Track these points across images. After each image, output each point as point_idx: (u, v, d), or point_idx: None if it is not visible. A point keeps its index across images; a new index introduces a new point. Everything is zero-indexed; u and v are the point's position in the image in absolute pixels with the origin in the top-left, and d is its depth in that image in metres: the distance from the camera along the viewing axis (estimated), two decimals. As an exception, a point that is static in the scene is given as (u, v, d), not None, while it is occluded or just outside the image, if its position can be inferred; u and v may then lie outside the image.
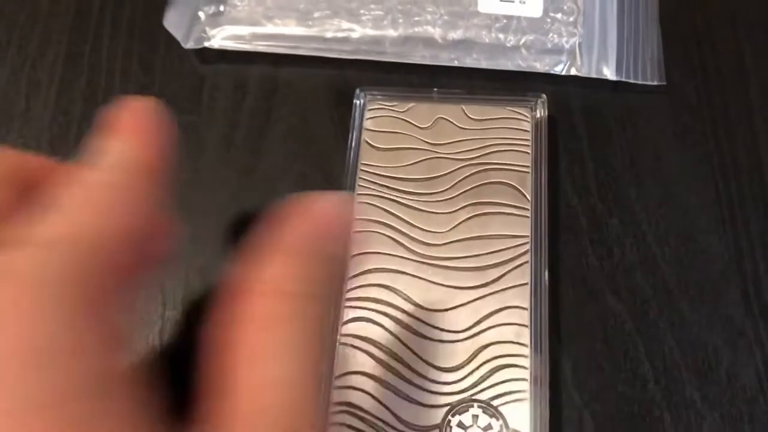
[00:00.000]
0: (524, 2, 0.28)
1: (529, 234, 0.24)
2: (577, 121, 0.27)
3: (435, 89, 0.26)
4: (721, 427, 0.22)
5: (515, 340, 0.22)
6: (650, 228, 0.25)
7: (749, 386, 0.23)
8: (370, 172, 0.25)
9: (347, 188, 0.25)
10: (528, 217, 0.24)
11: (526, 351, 0.22)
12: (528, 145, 0.25)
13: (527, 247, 0.23)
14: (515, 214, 0.24)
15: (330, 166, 0.27)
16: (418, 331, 0.23)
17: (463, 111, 0.26)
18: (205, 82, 0.29)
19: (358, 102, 0.27)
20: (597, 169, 0.26)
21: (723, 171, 0.26)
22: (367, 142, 0.26)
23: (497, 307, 0.23)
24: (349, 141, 0.26)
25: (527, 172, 0.25)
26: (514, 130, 0.25)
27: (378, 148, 0.26)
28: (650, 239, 0.25)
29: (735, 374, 0.23)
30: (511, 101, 0.26)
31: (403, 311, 0.23)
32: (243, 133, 0.28)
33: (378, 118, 0.26)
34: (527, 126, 0.25)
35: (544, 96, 0.26)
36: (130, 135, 0.16)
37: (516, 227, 0.24)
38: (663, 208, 0.25)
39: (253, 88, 0.29)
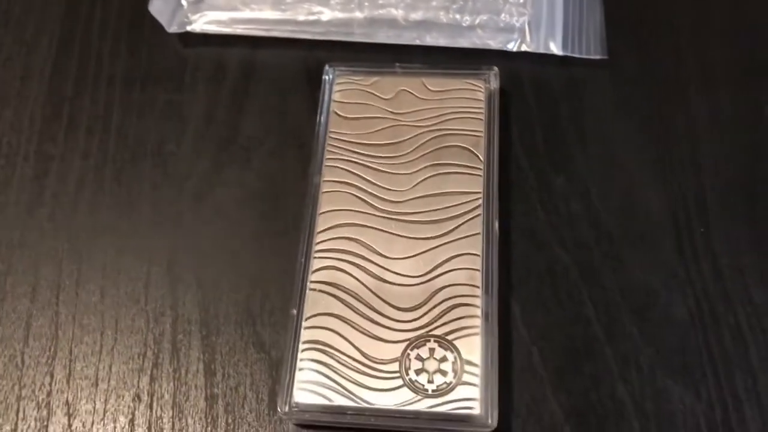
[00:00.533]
0: (478, -14, 0.31)
1: (481, 190, 0.26)
2: (528, 93, 0.29)
3: (397, 64, 0.29)
4: (655, 358, 0.25)
5: (468, 283, 0.24)
6: (594, 185, 0.28)
7: (682, 322, 0.25)
8: (339, 139, 0.28)
9: (317, 154, 0.27)
10: (480, 175, 0.26)
11: (478, 292, 0.24)
12: (481, 113, 0.28)
13: (480, 201, 0.26)
14: (469, 173, 0.26)
15: (303, 137, 0.29)
16: (380, 277, 0.25)
17: (423, 83, 0.28)
18: (188, 64, 0.31)
19: (326, 77, 0.29)
20: (545, 135, 0.29)
21: (659, 135, 0.29)
22: (336, 113, 0.28)
23: (452, 254, 0.25)
24: (319, 112, 0.28)
25: (480, 136, 0.27)
26: (469, 99, 0.28)
27: (345, 118, 0.28)
28: (594, 196, 0.27)
29: (670, 312, 0.25)
30: (466, 74, 0.28)
31: (368, 260, 0.25)
32: (223, 109, 0.30)
33: (345, 91, 0.28)
34: (481, 96, 0.28)
35: (496, 69, 0.28)
36: None
37: (470, 185, 0.26)
38: (605, 167, 0.28)
39: (232, 68, 0.31)
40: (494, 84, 0.28)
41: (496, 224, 0.25)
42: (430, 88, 0.28)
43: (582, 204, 0.27)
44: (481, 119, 0.27)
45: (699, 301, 0.25)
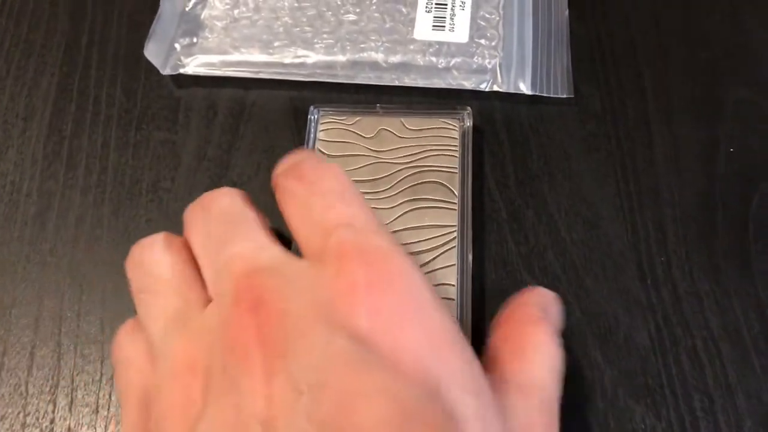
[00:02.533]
0: (453, 30, 0.33)
1: (456, 223, 0.28)
2: (499, 129, 0.31)
3: (378, 105, 0.31)
4: (618, 379, 0.26)
5: None
6: (560, 217, 0.30)
7: (642, 346, 0.27)
8: None
9: None
10: (455, 209, 0.28)
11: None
12: (456, 150, 0.29)
13: (454, 234, 0.28)
14: (445, 208, 0.28)
15: (290, 173, 0.31)
16: None
17: (402, 123, 0.30)
18: (181, 104, 0.33)
19: (312, 117, 0.31)
20: (516, 170, 0.31)
21: (622, 169, 0.31)
22: (320, 151, 0.30)
23: None
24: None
25: (455, 173, 0.29)
26: (444, 137, 0.30)
27: (329, 155, 0.30)
28: (560, 227, 0.29)
29: (631, 336, 0.27)
30: (442, 113, 0.30)
31: None
32: (214, 147, 0.32)
33: (329, 130, 0.30)
34: (455, 134, 0.30)
35: (470, 109, 0.30)
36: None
37: (445, 218, 0.28)
38: (571, 200, 0.30)
39: (223, 108, 0.33)
40: (468, 122, 0.30)
41: (470, 256, 0.27)
42: (408, 127, 0.30)
43: (549, 235, 0.29)
44: (455, 156, 0.29)
45: (659, 326, 0.27)
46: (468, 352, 0.19)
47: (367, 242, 0.19)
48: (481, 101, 0.32)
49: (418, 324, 0.17)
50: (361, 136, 0.30)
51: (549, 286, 0.28)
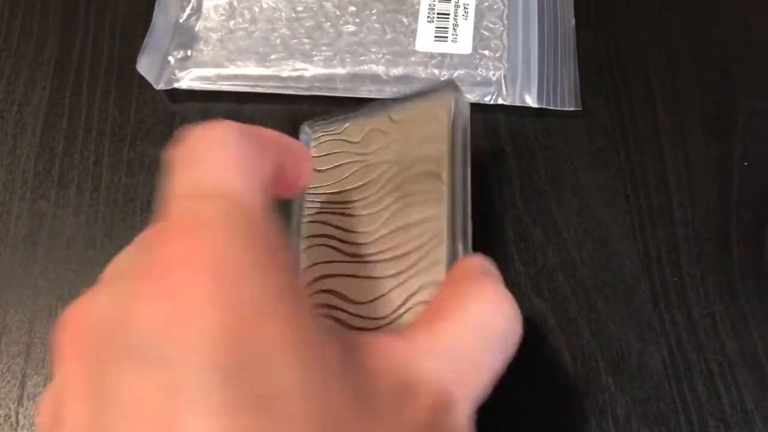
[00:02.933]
0: (456, 41, 0.32)
1: (443, 211, 0.24)
2: (505, 144, 0.30)
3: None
4: (631, 407, 0.25)
5: None
6: (569, 236, 0.28)
7: (656, 372, 0.26)
8: (314, 194, 0.28)
9: (295, 215, 0.27)
10: (442, 198, 0.24)
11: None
12: (444, 134, 0.25)
13: (441, 224, 0.24)
14: (432, 199, 0.24)
15: (288, 190, 0.30)
16: (350, 324, 0.25)
17: (390, 118, 0.27)
18: (176, 119, 0.32)
19: (304, 136, 0.29)
20: (522, 186, 0.30)
21: (633, 185, 0.30)
22: (315, 169, 0.28)
23: (415, 289, 0.23)
24: None
25: (442, 155, 0.25)
26: (433, 122, 0.26)
27: (320, 171, 0.28)
28: (570, 246, 0.28)
29: (644, 362, 0.26)
30: (427, 94, 0.26)
31: (339, 309, 0.25)
32: (210, 163, 0.31)
33: (320, 144, 0.28)
34: (443, 115, 0.26)
35: (456, 82, 0.26)
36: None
37: (432, 208, 0.24)
38: (580, 218, 0.29)
39: (219, 123, 0.32)
40: (454, 100, 0.26)
41: (460, 246, 0.23)
42: (394, 119, 0.27)
43: (558, 255, 0.28)
44: (443, 138, 0.25)
45: (672, 350, 0.26)
46: (300, 320, 0.15)
47: (192, 207, 0.16)
48: (486, 114, 0.31)
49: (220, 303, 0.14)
50: (349, 142, 0.28)
51: (559, 309, 0.27)
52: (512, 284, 0.28)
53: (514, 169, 0.30)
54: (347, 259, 0.26)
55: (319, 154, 0.28)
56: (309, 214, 0.27)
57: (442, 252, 0.23)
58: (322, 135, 0.29)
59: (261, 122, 0.32)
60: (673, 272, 0.28)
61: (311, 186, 0.28)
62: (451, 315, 0.18)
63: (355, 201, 0.27)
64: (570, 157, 0.30)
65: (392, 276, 0.25)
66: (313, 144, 0.28)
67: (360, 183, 0.27)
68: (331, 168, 0.28)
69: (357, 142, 0.28)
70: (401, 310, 0.24)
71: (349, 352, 0.16)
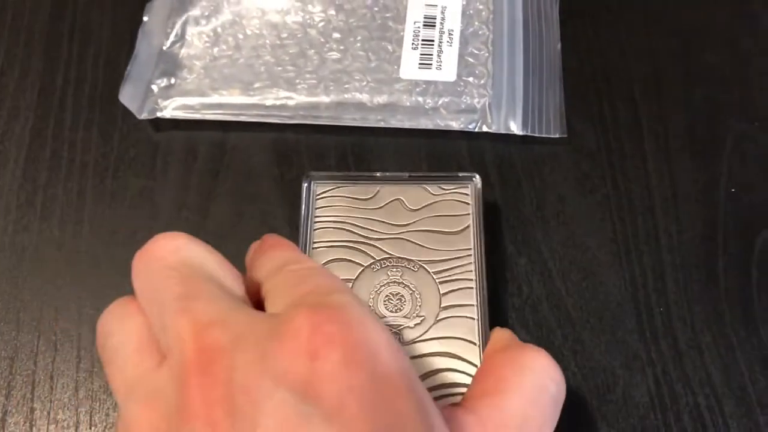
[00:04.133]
0: (440, 68, 0.31)
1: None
2: (490, 172, 0.30)
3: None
4: (617, 441, 0.25)
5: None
6: (555, 265, 0.28)
7: (641, 404, 0.26)
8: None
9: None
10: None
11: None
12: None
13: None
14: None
15: (272, 221, 0.30)
16: None
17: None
18: (159, 149, 0.32)
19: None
20: (508, 214, 0.29)
21: (619, 212, 0.29)
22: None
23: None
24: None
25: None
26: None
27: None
28: (555, 275, 0.28)
29: (629, 394, 0.26)
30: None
31: None
32: (194, 194, 0.31)
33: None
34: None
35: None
36: None
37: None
38: (566, 247, 0.29)
39: (203, 152, 0.32)
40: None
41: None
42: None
43: (543, 285, 0.28)
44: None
45: (659, 381, 0.26)
46: (421, 397, 0.18)
47: (323, 298, 0.18)
48: (471, 142, 0.31)
49: (366, 368, 0.17)
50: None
51: (544, 340, 0.27)
52: (497, 316, 0.27)
53: (499, 197, 0.30)
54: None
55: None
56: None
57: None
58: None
59: (245, 151, 0.32)
60: (659, 301, 0.27)
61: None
62: (510, 387, 0.20)
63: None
64: (556, 184, 0.30)
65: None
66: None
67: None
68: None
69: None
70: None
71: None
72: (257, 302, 0.21)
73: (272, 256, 0.22)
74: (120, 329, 0.20)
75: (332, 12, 0.33)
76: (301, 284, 0.20)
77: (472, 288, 0.25)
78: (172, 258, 0.20)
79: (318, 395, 0.16)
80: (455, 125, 0.30)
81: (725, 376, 0.26)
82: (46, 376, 0.27)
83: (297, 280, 0.20)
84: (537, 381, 0.20)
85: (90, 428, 0.26)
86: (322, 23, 0.33)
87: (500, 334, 0.23)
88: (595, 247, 0.29)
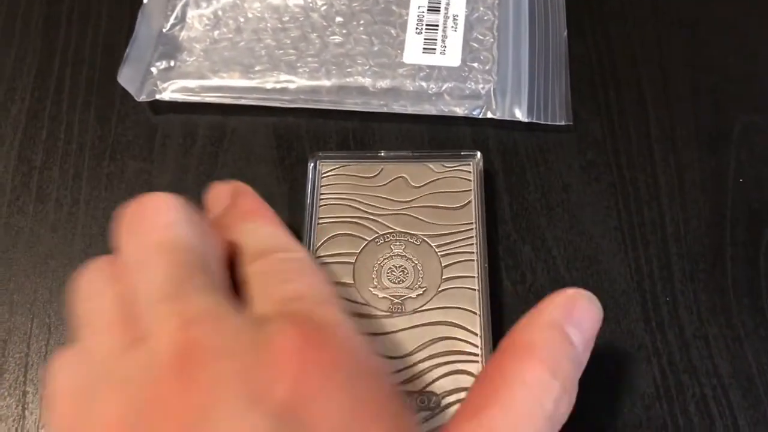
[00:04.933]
0: (444, 53, 0.31)
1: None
2: (494, 159, 0.30)
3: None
4: (621, 430, 0.25)
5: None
6: (559, 253, 0.28)
7: (647, 394, 0.25)
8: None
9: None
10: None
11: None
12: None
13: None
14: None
15: (273, 206, 0.29)
16: None
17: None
18: (158, 132, 0.31)
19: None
20: (512, 202, 0.29)
21: (624, 200, 0.29)
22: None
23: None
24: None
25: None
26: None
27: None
28: (559, 263, 0.28)
29: (634, 384, 0.25)
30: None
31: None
32: (192, 178, 0.30)
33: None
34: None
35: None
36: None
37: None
38: (571, 234, 0.28)
39: (202, 135, 0.31)
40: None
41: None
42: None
43: (548, 273, 0.27)
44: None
45: (665, 372, 0.26)
46: (403, 422, 0.17)
47: (310, 313, 0.18)
48: (475, 128, 0.30)
49: (347, 392, 0.16)
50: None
51: (547, 329, 0.26)
52: (501, 303, 0.27)
53: (503, 184, 0.29)
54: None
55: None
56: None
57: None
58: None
59: (245, 135, 0.31)
60: (665, 290, 0.27)
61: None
62: (495, 401, 0.18)
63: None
64: (560, 172, 0.29)
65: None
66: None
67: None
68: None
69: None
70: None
71: None
72: (227, 258, 0.20)
73: (256, 229, 0.21)
74: (98, 295, 0.19)
75: (335, -4, 0.33)
76: (288, 283, 0.19)
77: (473, 260, 0.25)
78: (165, 234, 0.19)
79: (298, 419, 0.16)
80: (459, 111, 0.30)
81: (732, 366, 0.26)
82: (40, 359, 0.27)
83: (284, 276, 0.19)
84: (529, 397, 0.18)
85: (83, 413, 0.26)
86: (324, 7, 0.33)
87: (517, 335, 0.20)
88: (600, 236, 0.28)
